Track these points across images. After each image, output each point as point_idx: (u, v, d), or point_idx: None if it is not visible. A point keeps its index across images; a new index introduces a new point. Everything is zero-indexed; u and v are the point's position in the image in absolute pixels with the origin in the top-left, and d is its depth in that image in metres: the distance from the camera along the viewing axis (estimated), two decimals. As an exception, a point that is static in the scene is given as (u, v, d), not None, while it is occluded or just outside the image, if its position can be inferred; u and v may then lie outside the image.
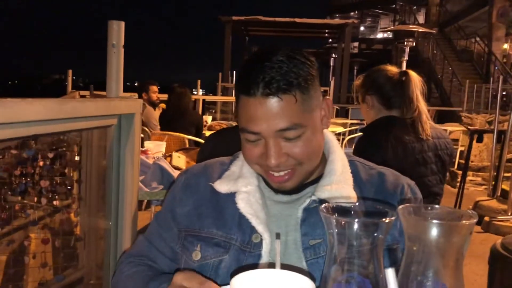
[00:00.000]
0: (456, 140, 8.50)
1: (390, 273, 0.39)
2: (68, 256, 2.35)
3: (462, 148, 7.35)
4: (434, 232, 0.60)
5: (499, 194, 5.51)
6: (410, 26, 7.37)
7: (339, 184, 1.00)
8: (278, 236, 0.73)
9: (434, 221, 0.61)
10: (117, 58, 1.50)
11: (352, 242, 0.63)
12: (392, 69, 2.09)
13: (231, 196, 1.03)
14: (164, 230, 1.10)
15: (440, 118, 12.71)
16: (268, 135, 0.94)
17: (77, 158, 2.20)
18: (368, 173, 1.07)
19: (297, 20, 15.33)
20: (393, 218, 0.61)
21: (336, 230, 0.63)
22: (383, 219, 0.60)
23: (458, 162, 7.65)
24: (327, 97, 1.06)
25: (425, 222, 0.61)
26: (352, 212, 0.66)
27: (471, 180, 7.39)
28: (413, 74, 2.04)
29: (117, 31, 1.50)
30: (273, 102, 0.92)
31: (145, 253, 1.11)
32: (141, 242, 1.15)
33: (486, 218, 5.10)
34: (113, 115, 1.38)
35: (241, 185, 1.03)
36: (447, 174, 2.15)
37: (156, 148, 2.43)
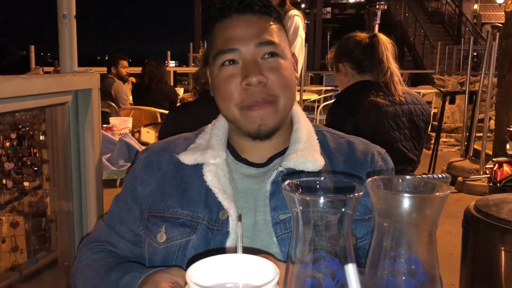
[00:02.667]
0: (429, 103, 8.59)
1: (350, 269, 0.34)
2: (39, 238, 2.28)
3: (435, 110, 7.42)
4: (405, 206, 0.55)
5: (471, 154, 5.60)
6: (381, -12, 7.26)
7: (305, 151, 0.96)
8: (239, 218, 0.68)
9: (405, 194, 0.56)
10: (69, 30, 1.39)
11: (317, 220, 0.58)
12: (361, 34, 2.11)
13: (197, 169, 0.98)
14: (124, 213, 1.04)
15: (414, 81, 12.80)
16: (246, 51, 0.92)
17: (42, 137, 2.10)
18: (337, 142, 1.04)
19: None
20: (361, 193, 0.56)
21: (301, 208, 0.58)
22: (350, 195, 0.55)
23: (432, 124, 7.74)
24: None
25: (396, 196, 0.56)
26: (317, 188, 0.61)
27: (444, 142, 7.50)
28: (381, 36, 2.05)
29: (67, 0, 1.38)
30: (250, 17, 0.94)
31: (105, 238, 1.05)
32: (101, 227, 1.08)
33: (460, 178, 5.19)
34: (67, 92, 1.29)
35: (210, 156, 0.97)
36: (425, 138, 2.15)
37: (122, 124, 2.34)
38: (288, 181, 0.60)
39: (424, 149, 7.11)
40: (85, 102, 1.40)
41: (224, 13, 0.95)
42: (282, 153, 1.00)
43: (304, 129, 1.01)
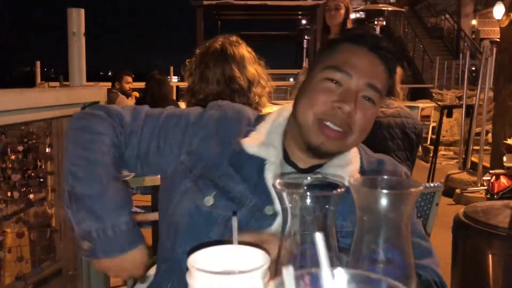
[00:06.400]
0: (428, 117, 8.67)
1: (318, 237, 0.41)
2: (44, 248, 2.34)
3: (434, 124, 7.50)
4: (382, 201, 0.63)
5: (469, 166, 5.67)
6: (380, 5, 7.42)
7: (349, 166, 1.03)
8: (234, 213, 0.75)
9: (382, 191, 0.63)
10: (79, 47, 1.48)
11: (304, 215, 0.65)
12: None
13: (257, 159, 1.02)
14: (162, 134, 1.05)
15: (413, 95, 12.89)
16: (356, 82, 0.98)
17: (48, 149, 2.18)
18: (368, 160, 1.10)
19: (269, 2, 15.25)
20: (342, 189, 0.63)
21: (290, 205, 0.65)
22: (333, 191, 0.63)
23: (431, 138, 7.82)
24: None
25: (374, 192, 0.64)
26: (304, 186, 0.68)
27: (443, 155, 7.56)
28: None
29: (77, 18, 1.48)
30: (376, 59, 1.01)
31: (129, 125, 1.05)
32: (137, 115, 1.07)
33: (457, 190, 5.24)
34: (76, 104, 1.37)
35: (272, 155, 1.02)
36: (417, 151, 2.24)
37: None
38: (278, 180, 0.67)
39: (422, 162, 7.13)
40: (93, 114, 1.48)
41: (357, 41, 1.02)
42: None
43: (353, 149, 1.07)
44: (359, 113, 0.98)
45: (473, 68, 11.17)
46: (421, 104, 8.42)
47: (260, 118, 1.11)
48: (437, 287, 0.94)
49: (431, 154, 5.86)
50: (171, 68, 9.94)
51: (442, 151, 7.51)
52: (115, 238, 0.93)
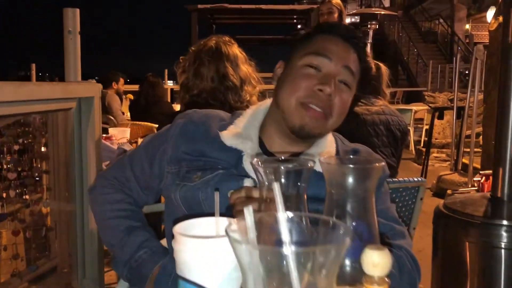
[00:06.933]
0: (421, 120, 8.77)
1: (275, 187, 0.48)
2: (40, 246, 2.38)
3: (427, 127, 7.58)
4: (348, 175, 0.70)
5: (460, 168, 5.75)
6: (373, 9, 7.52)
7: (322, 153, 1.09)
8: (217, 189, 0.81)
9: (348, 165, 0.70)
10: (74, 44, 1.55)
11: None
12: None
13: (235, 151, 1.09)
14: (146, 164, 1.16)
15: (408, 99, 13.00)
16: (334, 65, 1.06)
17: (43, 149, 2.23)
18: (344, 150, 1.16)
19: (263, 6, 15.37)
20: (312, 165, 0.70)
21: (266, 182, 0.72)
22: (303, 166, 0.70)
23: (424, 140, 7.90)
24: None
25: (340, 167, 0.71)
26: (279, 164, 0.75)
27: (436, 157, 7.64)
28: (384, 67, 2.31)
29: (73, 18, 1.54)
30: (348, 46, 1.09)
31: (124, 175, 1.17)
32: (124, 165, 1.19)
33: (449, 191, 5.31)
34: (72, 98, 1.43)
35: (249, 146, 1.08)
36: (402, 148, 2.32)
37: (120, 134, 2.48)
38: (255, 159, 0.74)
39: (415, 164, 7.18)
40: (88, 109, 1.55)
41: (331, 31, 1.11)
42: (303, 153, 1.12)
43: (330, 136, 1.15)
44: (337, 96, 1.05)
45: (467, 72, 11.29)
46: (415, 107, 8.53)
47: (237, 114, 1.19)
48: (410, 263, 1.01)
49: (423, 156, 5.94)
50: (166, 71, 9.97)
51: (434, 153, 7.59)
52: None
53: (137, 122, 4.71)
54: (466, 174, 5.49)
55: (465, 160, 5.85)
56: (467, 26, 18.75)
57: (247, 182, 1.01)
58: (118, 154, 2.14)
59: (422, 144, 7.90)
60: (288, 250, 0.35)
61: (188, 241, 0.64)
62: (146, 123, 4.70)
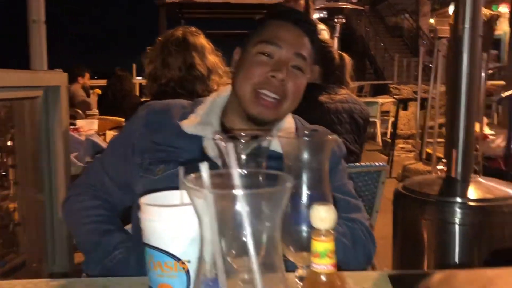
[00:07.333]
0: (387, 112, 8.99)
1: (229, 147, 0.52)
2: (7, 242, 2.37)
3: (394, 119, 7.79)
4: (303, 148, 0.75)
5: (424, 157, 5.94)
6: (340, 3, 7.63)
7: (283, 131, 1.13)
8: (182, 164, 0.85)
9: (302, 138, 0.76)
10: (40, 33, 1.55)
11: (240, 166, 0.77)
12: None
13: (196, 138, 1.13)
14: (120, 161, 1.18)
15: (375, 92, 13.26)
16: (285, 53, 1.11)
17: (9, 143, 2.21)
18: (303, 129, 1.22)
19: (232, 1, 15.33)
20: (270, 138, 0.76)
21: (227, 156, 0.77)
22: (261, 140, 0.75)
23: (391, 132, 8.11)
24: None
25: (294, 141, 0.76)
26: (241, 140, 0.80)
27: (402, 148, 7.86)
28: (347, 57, 2.41)
29: (37, 7, 1.55)
30: (299, 32, 1.13)
31: (98, 179, 1.20)
32: (96, 169, 1.22)
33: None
34: (38, 87, 1.44)
35: (209, 132, 1.12)
36: (365, 135, 2.41)
37: (88, 125, 2.48)
38: (218, 135, 0.79)
39: (382, 155, 7.35)
40: (55, 99, 1.55)
41: (282, 17, 1.15)
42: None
43: (289, 118, 1.20)
44: (290, 81, 1.11)
45: (431, 65, 11.60)
46: (381, 99, 8.73)
47: (198, 102, 1.23)
48: (364, 235, 1.07)
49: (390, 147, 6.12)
50: (134, 65, 9.84)
51: (401, 144, 7.80)
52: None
53: (105, 117, 4.67)
54: (430, 163, 5.68)
55: (429, 150, 6.05)
56: (432, 21, 19.21)
57: (202, 166, 1.06)
58: (86, 145, 2.14)
59: (389, 135, 8.10)
60: (239, 192, 0.40)
61: (156, 210, 0.68)
62: (114, 117, 4.67)
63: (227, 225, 0.43)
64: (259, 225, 0.42)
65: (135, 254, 1.04)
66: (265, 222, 0.43)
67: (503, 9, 10.45)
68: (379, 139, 8.34)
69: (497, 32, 8.56)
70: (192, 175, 0.45)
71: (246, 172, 0.48)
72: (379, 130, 8.40)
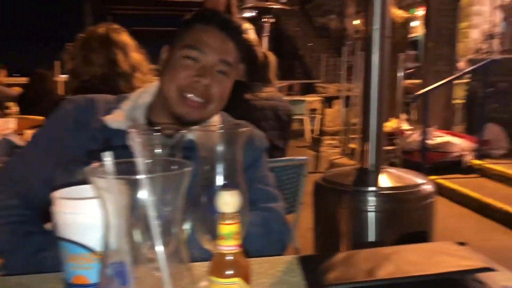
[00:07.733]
0: (315, 110, 9.28)
1: (134, 135, 0.55)
2: None
3: (321, 116, 8.06)
4: (214, 139, 0.79)
5: (350, 152, 6.23)
6: (268, 3, 7.78)
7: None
8: (106, 149, 0.86)
9: (215, 130, 0.80)
10: None
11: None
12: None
13: (121, 132, 1.10)
14: (44, 155, 1.15)
15: (304, 90, 13.63)
16: (211, 58, 1.13)
17: None
18: (227, 124, 1.25)
19: (159, -3, 15.11)
20: (185, 132, 0.79)
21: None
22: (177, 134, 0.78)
23: (320, 129, 8.38)
24: None
25: (208, 132, 0.80)
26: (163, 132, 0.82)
27: (329, 144, 8.15)
28: (272, 56, 2.48)
29: None
30: (225, 37, 1.15)
31: (21, 175, 1.16)
32: (17, 164, 1.18)
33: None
34: None
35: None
36: (290, 130, 2.50)
37: (4, 125, 2.36)
38: (133, 128, 0.80)
39: (310, 151, 7.58)
40: (-36, 95, 1.47)
41: (207, 20, 1.16)
42: None
43: (215, 117, 1.22)
44: (215, 86, 1.15)
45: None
46: (309, 98, 8.99)
47: (123, 98, 1.23)
48: (279, 223, 1.13)
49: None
50: (56, 63, 9.40)
51: (328, 141, 8.09)
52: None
53: (27, 116, 4.46)
54: (354, 157, 5.97)
55: (353, 145, 6.35)
56: (357, 22, 20.02)
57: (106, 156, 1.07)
58: (3, 145, 2.05)
59: (316, 133, 8.36)
60: (141, 176, 0.43)
61: (69, 203, 0.69)
62: (35, 117, 4.47)
63: (130, 210, 0.45)
64: (161, 209, 0.45)
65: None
66: (167, 206, 0.46)
67: (421, 12, 11.13)
68: (307, 136, 8.60)
69: (414, 34, 9.13)
70: (95, 164, 0.47)
71: (151, 160, 0.51)
72: (307, 128, 8.65)
